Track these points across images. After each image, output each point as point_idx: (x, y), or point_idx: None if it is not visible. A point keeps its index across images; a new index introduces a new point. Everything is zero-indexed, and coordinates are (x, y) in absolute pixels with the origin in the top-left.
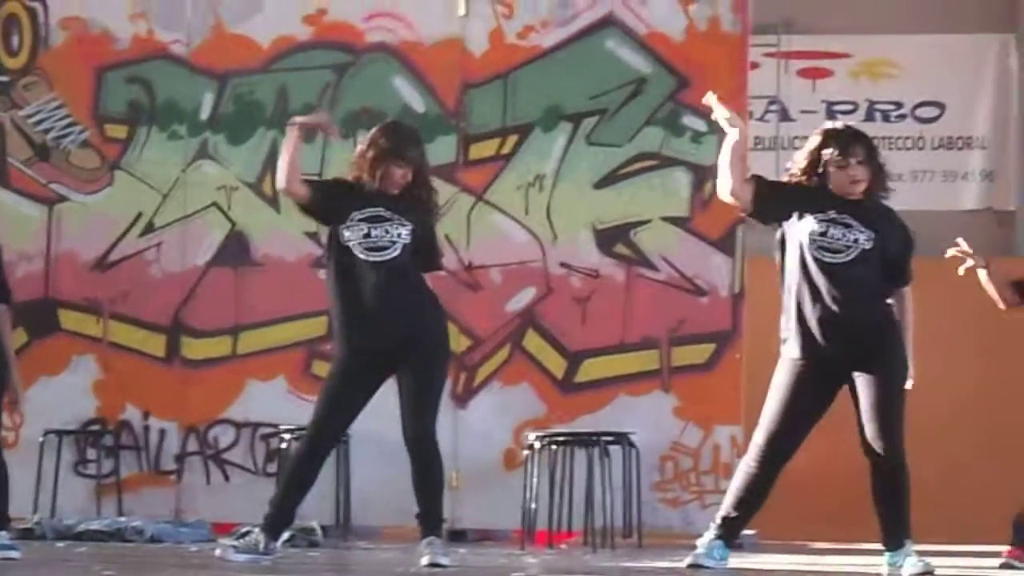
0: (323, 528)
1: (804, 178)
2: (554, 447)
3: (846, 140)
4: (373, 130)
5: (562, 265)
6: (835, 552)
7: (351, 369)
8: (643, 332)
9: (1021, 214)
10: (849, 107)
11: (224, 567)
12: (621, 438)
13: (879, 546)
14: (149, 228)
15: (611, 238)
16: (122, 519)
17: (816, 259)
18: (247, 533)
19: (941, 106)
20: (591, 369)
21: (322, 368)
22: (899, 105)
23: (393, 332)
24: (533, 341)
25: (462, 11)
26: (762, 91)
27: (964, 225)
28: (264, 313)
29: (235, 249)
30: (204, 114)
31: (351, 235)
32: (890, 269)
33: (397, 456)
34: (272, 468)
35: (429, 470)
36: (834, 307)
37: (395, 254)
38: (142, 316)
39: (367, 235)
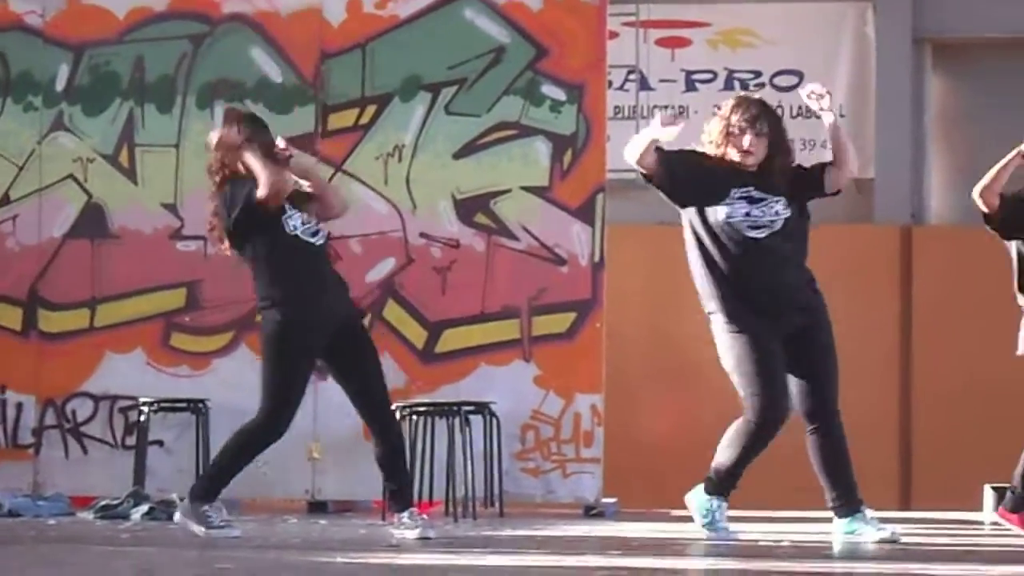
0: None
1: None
2: (415, 417)
3: (748, 110)
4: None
5: (422, 235)
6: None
7: (315, 345)
8: (503, 302)
9: (880, 182)
10: (708, 76)
11: (86, 539)
12: (482, 408)
13: (735, 512)
14: (5, 201)
15: (471, 208)
16: None
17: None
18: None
19: (799, 74)
20: (452, 339)
21: (180, 340)
22: (757, 74)
23: (346, 309)
24: (393, 312)
25: None
26: (621, 60)
27: None
28: (121, 285)
29: (92, 221)
30: (59, 85)
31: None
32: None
33: None
34: (131, 441)
35: (402, 443)
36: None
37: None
38: None
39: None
